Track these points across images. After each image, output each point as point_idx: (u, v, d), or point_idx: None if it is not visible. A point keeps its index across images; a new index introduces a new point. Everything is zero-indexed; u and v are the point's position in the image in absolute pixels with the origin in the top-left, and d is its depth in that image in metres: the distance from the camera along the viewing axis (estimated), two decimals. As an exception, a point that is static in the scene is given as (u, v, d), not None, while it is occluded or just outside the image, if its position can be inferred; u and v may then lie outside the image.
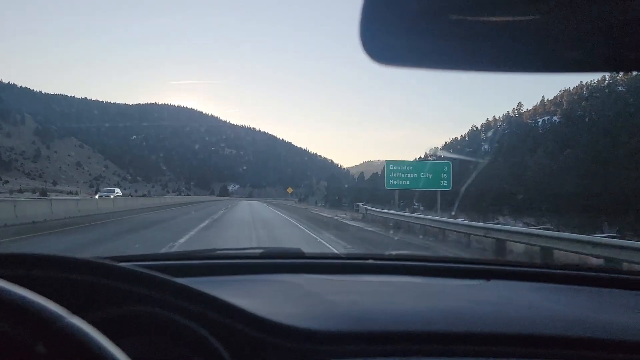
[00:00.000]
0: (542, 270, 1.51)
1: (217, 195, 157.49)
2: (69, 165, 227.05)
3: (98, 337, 0.43)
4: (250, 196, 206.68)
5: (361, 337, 0.86)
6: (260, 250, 1.64)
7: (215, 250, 1.67)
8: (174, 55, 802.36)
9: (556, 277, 1.43)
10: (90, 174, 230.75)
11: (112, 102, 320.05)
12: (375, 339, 0.86)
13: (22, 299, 0.44)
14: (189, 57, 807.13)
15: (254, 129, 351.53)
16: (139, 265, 0.76)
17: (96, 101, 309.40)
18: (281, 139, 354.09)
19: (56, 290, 0.54)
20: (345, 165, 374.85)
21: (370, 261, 1.57)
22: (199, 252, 1.65)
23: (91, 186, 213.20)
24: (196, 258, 1.55)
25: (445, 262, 1.67)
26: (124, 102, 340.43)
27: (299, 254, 1.63)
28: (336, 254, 1.66)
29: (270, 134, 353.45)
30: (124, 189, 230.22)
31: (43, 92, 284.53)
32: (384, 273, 1.49)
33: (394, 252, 1.82)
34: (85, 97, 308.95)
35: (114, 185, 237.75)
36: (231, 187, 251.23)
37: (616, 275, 1.45)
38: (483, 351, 0.85)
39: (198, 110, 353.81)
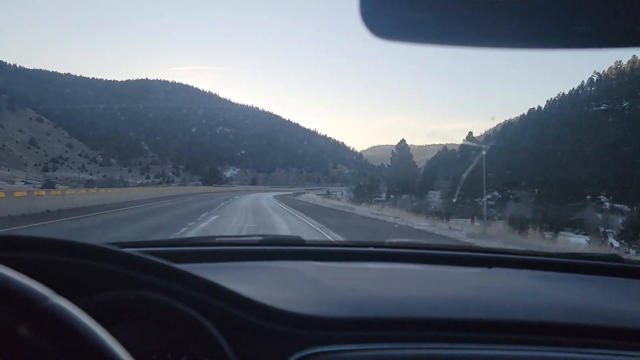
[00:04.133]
0: (544, 259, 1.50)
1: (203, 184, 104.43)
2: (17, 143, 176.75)
3: (84, 319, 0.42)
4: (253, 183, 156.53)
5: (361, 323, 0.85)
6: (260, 238, 1.61)
7: (215, 237, 1.66)
8: (171, 30, 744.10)
9: (558, 265, 1.42)
10: (46, 155, 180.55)
11: (98, 79, 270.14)
12: (376, 325, 0.85)
13: (4, 278, 0.43)
14: (187, 31, 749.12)
15: (257, 108, 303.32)
16: (141, 251, 0.76)
17: (81, 77, 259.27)
18: (287, 119, 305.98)
19: (56, 274, 0.53)
20: (357, 149, 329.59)
21: (371, 249, 1.56)
22: (200, 239, 1.63)
23: (45, 170, 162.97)
24: (197, 245, 1.54)
25: (447, 250, 1.64)
26: (112, 79, 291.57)
27: (299, 241, 1.62)
28: (337, 241, 1.72)
29: (274, 114, 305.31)
30: (90, 174, 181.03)
31: (18, 66, 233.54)
32: (384, 260, 1.47)
33: (394, 240, 1.78)
34: (69, 73, 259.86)
35: (78, 169, 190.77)
36: (230, 172, 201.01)
37: (618, 263, 1.43)
38: (486, 338, 0.85)
39: (195, 87, 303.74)
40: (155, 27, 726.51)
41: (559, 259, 1.47)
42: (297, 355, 0.77)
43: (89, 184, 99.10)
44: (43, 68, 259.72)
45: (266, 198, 41.94)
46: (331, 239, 9.66)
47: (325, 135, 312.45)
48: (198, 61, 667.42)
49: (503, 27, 0.49)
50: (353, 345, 0.81)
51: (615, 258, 1.47)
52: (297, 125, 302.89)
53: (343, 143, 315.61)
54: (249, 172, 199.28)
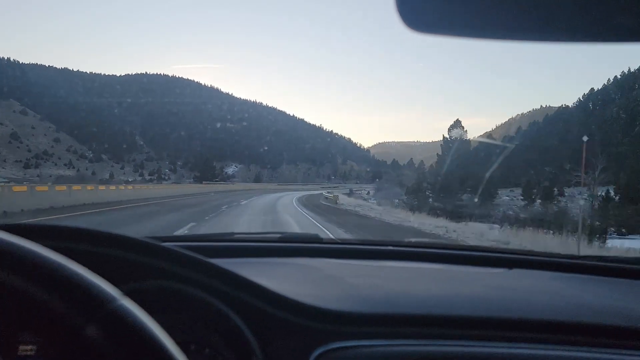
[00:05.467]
0: (566, 261, 1.48)
1: (195, 182, 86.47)
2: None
3: (149, 323, 0.43)
4: (257, 180, 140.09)
5: (384, 319, 0.86)
6: (279, 235, 1.63)
7: (233, 233, 1.67)
8: (173, 26, 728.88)
9: (581, 267, 1.41)
10: (29, 151, 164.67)
11: (96, 73, 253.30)
12: (399, 322, 0.86)
13: (77, 275, 0.43)
14: (188, 28, 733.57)
15: (260, 103, 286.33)
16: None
17: (78, 72, 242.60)
18: (291, 114, 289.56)
19: (97, 264, 0.54)
20: (364, 146, 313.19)
21: (390, 247, 1.56)
22: (218, 235, 1.64)
23: (26, 166, 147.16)
24: (215, 240, 1.54)
25: (466, 250, 1.64)
26: (111, 74, 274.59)
27: (317, 239, 1.63)
28: (355, 239, 1.76)
29: (278, 110, 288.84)
30: (77, 170, 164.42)
31: (12, 60, 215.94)
32: (403, 259, 1.47)
33: (413, 240, 1.79)
34: (66, 68, 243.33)
35: (64, 165, 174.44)
36: (232, 169, 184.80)
37: None
38: (508, 337, 0.84)
39: (196, 81, 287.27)
40: (158, 23, 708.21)
41: (581, 261, 1.46)
42: (322, 349, 0.78)
43: (58, 180, 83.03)
44: (39, 62, 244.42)
45: (293, 212, 22.96)
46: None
47: (331, 131, 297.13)
48: (201, 57, 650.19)
49: (540, 20, 0.48)
50: (377, 340, 0.81)
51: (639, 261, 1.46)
52: (302, 120, 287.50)
53: (350, 139, 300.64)
54: (252, 168, 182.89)
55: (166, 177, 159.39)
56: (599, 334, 0.86)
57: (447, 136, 50.33)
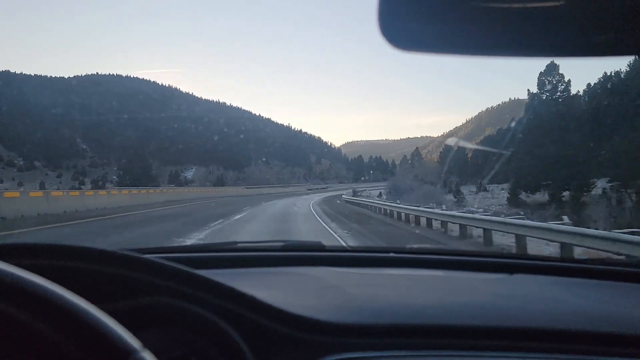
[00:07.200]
0: (567, 265, 1.46)
1: (124, 186, 62.86)
2: None
3: None
4: (220, 183, 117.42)
5: (381, 330, 0.85)
6: (281, 243, 1.62)
7: (236, 243, 1.67)
8: (129, 25, 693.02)
9: (584, 271, 1.37)
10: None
11: (42, 76, 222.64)
12: (396, 332, 0.85)
13: (101, 324, 0.42)
14: (144, 27, 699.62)
15: (224, 103, 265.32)
16: (162, 257, 0.77)
17: (22, 74, 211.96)
18: (257, 114, 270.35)
19: (78, 281, 0.53)
20: (335, 145, 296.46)
21: (391, 254, 1.55)
22: (220, 245, 1.65)
23: None
24: (217, 250, 1.54)
25: (467, 256, 1.65)
26: (60, 76, 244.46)
27: (320, 247, 1.62)
28: (357, 247, 1.73)
29: (244, 109, 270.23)
30: (0, 182, 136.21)
31: None
32: (405, 266, 1.47)
33: (415, 246, 1.79)
34: (7, 70, 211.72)
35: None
36: (192, 172, 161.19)
37: None
38: (508, 346, 0.83)
39: (152, 80, 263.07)
40: (117, 23, 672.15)
41: (584, 265, 1.43)
42: None
43: None
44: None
45: None
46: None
47: (300, 130, 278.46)
48: (161, 58, 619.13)
49: (523, 36, 0.49)
50: (375, 352, 0.80)
51: None
52: (269, 120, 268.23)
53: (320, 138, 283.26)
54: (213, 169, 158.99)
55: (113, 184, 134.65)
56: (600, 342, 0.85)
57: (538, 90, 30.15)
